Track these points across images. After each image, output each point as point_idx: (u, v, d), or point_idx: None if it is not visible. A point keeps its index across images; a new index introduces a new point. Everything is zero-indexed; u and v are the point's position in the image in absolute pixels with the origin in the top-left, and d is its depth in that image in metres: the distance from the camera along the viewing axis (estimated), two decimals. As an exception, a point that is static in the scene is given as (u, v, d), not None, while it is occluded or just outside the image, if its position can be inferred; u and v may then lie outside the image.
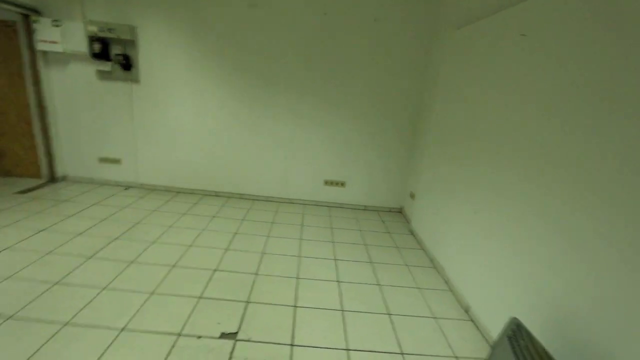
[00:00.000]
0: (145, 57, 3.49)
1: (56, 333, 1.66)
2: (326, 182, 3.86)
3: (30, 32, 3.33)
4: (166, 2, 3.32)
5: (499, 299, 1.85)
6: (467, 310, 2.16)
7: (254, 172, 3.83)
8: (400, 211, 3.95)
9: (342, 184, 3.87)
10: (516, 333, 1.37)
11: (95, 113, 3.66)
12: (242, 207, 3.64)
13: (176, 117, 3.66)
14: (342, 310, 2.06)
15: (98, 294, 1.99)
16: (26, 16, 3.29)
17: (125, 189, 3.84)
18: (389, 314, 2.07)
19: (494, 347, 1.47)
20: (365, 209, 3.94)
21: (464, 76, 2.54)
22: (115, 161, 3.84)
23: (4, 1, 2.98)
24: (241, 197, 3.92)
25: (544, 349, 1.22)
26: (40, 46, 3.34)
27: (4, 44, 3.39)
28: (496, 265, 1.91)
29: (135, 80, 3.57)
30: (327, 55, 3.46)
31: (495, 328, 1.82)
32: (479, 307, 2.04)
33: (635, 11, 1.21)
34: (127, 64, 3.48)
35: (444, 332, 1.95)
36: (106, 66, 3.49)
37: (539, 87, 1.68)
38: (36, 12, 3.29)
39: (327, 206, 3.91)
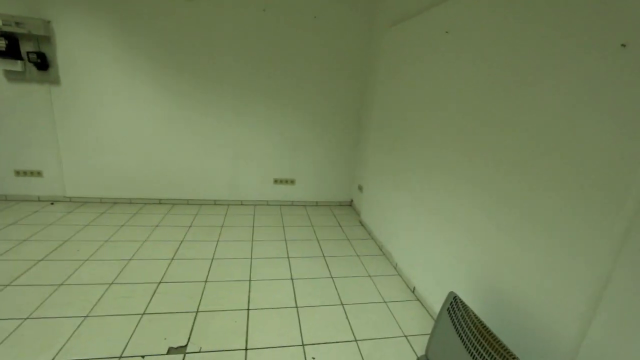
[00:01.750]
0: (65, 55, 3.14)
1: (-35, 376, 1.44)
2: (276, 181, 3.82)
3: None
4: (84, -6, 3.02)
5: (439, 276, 1.99)
6: (413, 291, 2.30)
7: (199, 176, 3.66)
8: (350, 204, 4.06)
9: (292, 182, 3.86)
10: (453, 305, 1.49)
11: (6, 120, 3.20)
12: (188, 213, 3.46)
13: (107, 121, 3.35)
14: (297, 307, 2.06)
15: (19, 325, 1.75)
16: None
17: (51, 204, 3.42)
18: (342, 304, 2.12)
19: (437, 320, 1.58)
20: (317, 204, 3.99)
21: (397, 71, 2.67)
22: (36, 173, 3.40)
23: None
24: (188, 202, 3.72)
25: (475, 315, 1.34)
26: None
27: None
28: (434, 245, 2.05)
29: (55, 82, 3.19)
30: (269, 52, 3.41)
31: (439, 304, 1.96)
32: (423, 287, 2.18)
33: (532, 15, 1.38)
34: (43, 63, 3.09)
35: (394, 314, 2.05)
36: (16, 65, 3.06)
37: (457, 80, 1.83)
38: None
39: (279, 205, 3.88)
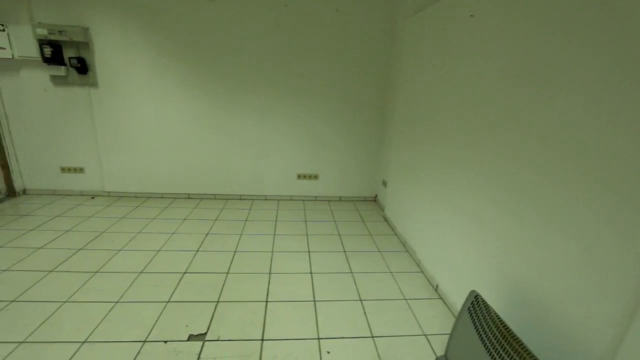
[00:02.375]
0: (102, 59, 3.36)
1: (10, 353, 1.58)
2: (299, 176, 3.84)
3: (-29, 39, 3.13)
4: (118, 0, 3.19)
5: (463, 274, 1.89)
6: (436, 288, 2.21)
7: (225, 171, 3.77)
8: (374, 199, 3.99)
9: (316, 177, 3.86)
10: (474, 305, 1.41)
11: (52, 120, 3.50)
12: (215, 207, 3.57)
13: (140, 120, 3.54)
14: (314, 301, 2.06)
15: (58, 308, 1.90)
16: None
17: (92, 198, 3.69)
18: (360, 300, 2.08)
19: (457, 320, 1.51)
20: (340, 199, 3.95)
21: (420, 62, 2.56)
22: (79, 170, 3.68)
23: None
24: (214, 197, 3.85)
25: (497, 315, 1.25)
26: (-15, 53, 3.15)
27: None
28: (457, 242, 1.95)
29: (94, 84, 3.43)
30: (291, 48, 3.42)
31: (462, 302, 1.86)
32: (446, 284, 2.08)
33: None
34: (82, 67, 3.33)
35: (414, 311, 1.98)
36: (60, 71, 3.33)
37: (481, 70, 1.71)
38: (-24, 17, 3.09)
39: (302, 200, 3.90)
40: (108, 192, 3.75)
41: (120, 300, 1.98)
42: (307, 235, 2.98)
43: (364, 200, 3.98)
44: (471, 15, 1.83)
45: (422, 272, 2.44)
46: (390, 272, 2.42)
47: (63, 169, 3.66)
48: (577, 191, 1.17)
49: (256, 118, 3.60)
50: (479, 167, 1.76)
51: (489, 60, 1.68)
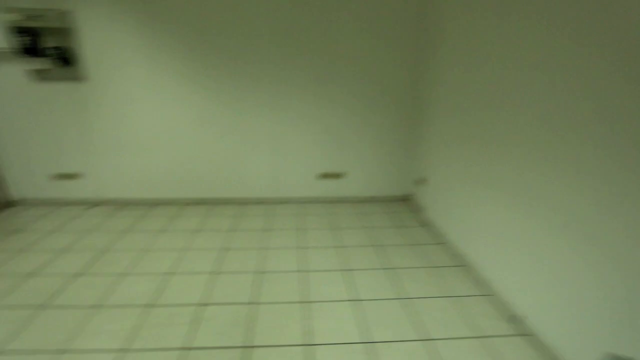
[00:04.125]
0: (92, 48, 2.88)
1: None
2: (321, 176, 3.37)
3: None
4: (104, -23, 2.69)
5: (566, 303, 1.44)
6: (522, 321, 1.75)
7: (240, 173, 3.32)
8: (408, 199, 3.50)
9: (340, 176, 3.39)
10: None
11: (40, 121, 3.06)
12: (230, 214, 3.14)
13: (142, 119, 3.09)
14: (370, 342, 1.63)
15: (47, 363, 1.51)
16: None
17: (91, 207, 3.28)
18: (424, 340, 1.64)
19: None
20: (369, 200, 3.48)
21: (472, 29, 2.03)
22: (75, 176, 3.26)
23: None
24: (229, 201, 3.41)
25: None
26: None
27: None
28: (555, 261, 1.49)
29: (83, 78, 2.96)
30: (306, 30, 2.89)
31: (568, 346, 1.41)
32: (538, 316, 1.63)
33: None
34: (69, 58, 2.87)
35: (493, 354, 1.55)
36: (42, 63, 2.86)
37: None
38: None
39: (326, 202, 3.44)
40: (110, 200, 3.34)
41: (125, 349, 1.58)
42: (340, 247, 2.54)
43: (396, 201, 3.50)
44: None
45: (494, 295, 1.98)
46: (453, 297, 1.97)
47: (58, 176, 3.24)
48: None
49: (271, 113, 3.11)
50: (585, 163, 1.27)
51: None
